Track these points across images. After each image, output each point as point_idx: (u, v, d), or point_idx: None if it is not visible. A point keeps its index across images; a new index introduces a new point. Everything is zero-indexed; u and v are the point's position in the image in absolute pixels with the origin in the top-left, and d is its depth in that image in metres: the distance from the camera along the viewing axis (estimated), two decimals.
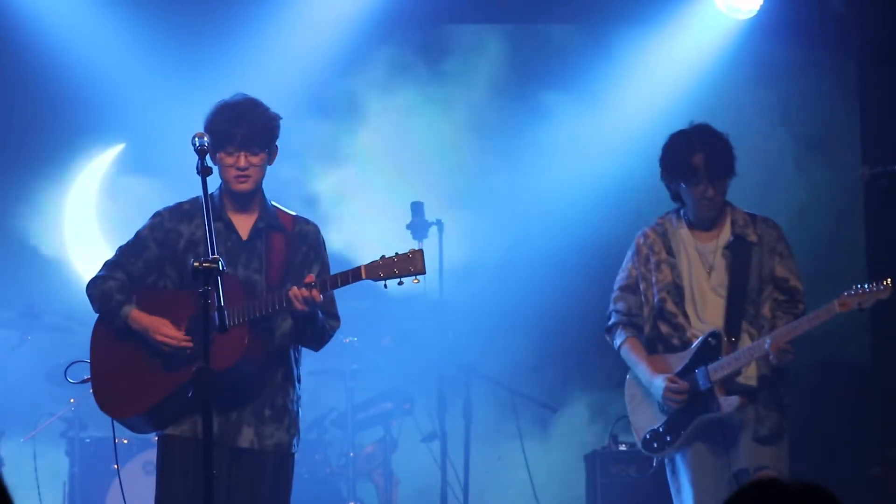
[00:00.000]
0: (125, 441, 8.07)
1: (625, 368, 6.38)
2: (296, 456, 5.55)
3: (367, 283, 5.25)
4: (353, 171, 9.49)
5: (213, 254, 4.70)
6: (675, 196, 6.26)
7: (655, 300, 6.21)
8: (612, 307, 6.38)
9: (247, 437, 5.34)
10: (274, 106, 5.54)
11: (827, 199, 9.58)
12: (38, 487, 8.36)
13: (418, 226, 8.56)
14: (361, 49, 9.50)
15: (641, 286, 6.28)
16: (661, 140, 6.32)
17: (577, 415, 9.46)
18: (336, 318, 5.57)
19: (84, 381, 5.49)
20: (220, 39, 9.20)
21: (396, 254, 5.16)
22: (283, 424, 5.41)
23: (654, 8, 9.50)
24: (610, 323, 6.38)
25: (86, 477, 8.26)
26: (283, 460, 5.44)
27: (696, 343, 6.08)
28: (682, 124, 6.33)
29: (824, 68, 9.68)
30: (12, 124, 9.32)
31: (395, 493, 8.88)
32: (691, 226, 6.26)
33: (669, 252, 6.24)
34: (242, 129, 5.35)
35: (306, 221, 5.64)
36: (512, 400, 8.86)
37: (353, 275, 5.17)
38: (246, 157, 5.38)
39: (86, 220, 9.55)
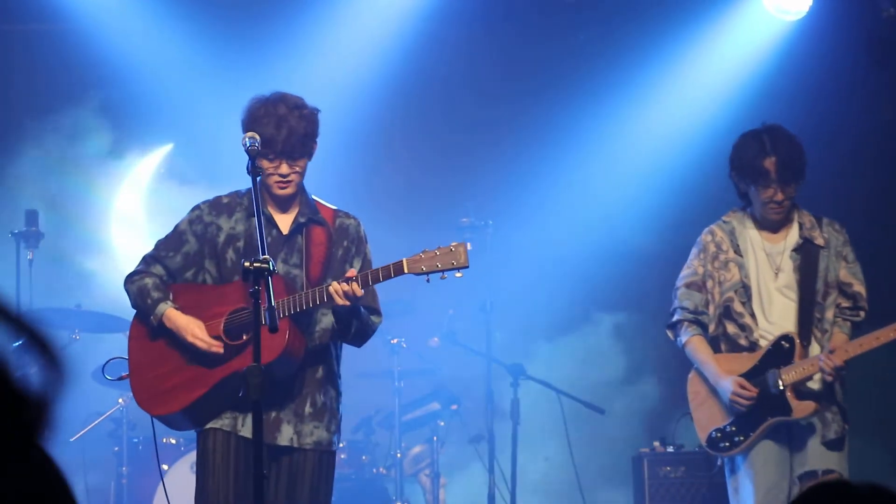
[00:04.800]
0: (172, 441, 8.10)
1: (678, 368, 6.33)
2: (337, 454, 5.47)
3: (416, 284, 5.22)
4: None
5: (263, 253, 4.67)
6: (743, 196, 6.21)
7: (722, 299, 6.15)
8: (676, 303, 6.29)
9: (286, 435, 5.26)
10: None
11: (876, 203, 9.51)
12: (87, 487, 8.38)
13: (466, 227, 8.56)
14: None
15: (708, 284, 6.22)
16: (707, 140, 6.30)
17: (625, 417, 9.42)
18: (378, 313, 5.43)
19: (122, 378, 5.46)
20: (273, 41, 9.23)
21: (439, 247, 5.03)
22: (323, 422, 5.33)
23: (701, 9, 9.46)
24: (674, 319, 6.29)
25: (134, 477, 8.27)
26: (323, 458, 5.34)
27: (768, 345, 6.03)
28: (727, 125, 6.29)
29: (874, 70, 9.60)
30: (64, 122, 9.38)
31: (443, 494, 8.87)
32: (759, 226, 6.21)
33: (737, 251, 6.18)
34: (283, 137, 5.19)
35: (347, 215, 5.51)
36: (560, 401, 8.83)
37: (395, 269, 5.03)
38: (288, 164, 5.27)
39: (134, 219, 9.60)
